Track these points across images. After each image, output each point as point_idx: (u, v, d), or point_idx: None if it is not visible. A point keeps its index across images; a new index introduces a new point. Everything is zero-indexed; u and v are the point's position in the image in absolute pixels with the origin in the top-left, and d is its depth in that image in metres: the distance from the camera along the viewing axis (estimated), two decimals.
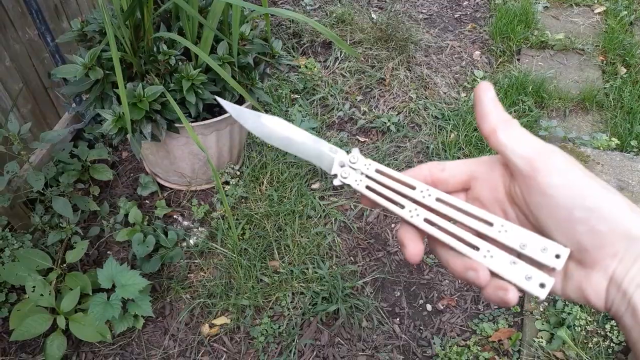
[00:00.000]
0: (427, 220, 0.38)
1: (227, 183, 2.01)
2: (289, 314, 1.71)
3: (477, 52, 2.82)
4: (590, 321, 1.64)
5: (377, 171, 0.41)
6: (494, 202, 0.38)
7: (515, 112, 2.37)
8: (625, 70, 2.62)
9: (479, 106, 0.38)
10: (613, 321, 1.63)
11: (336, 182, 0.42)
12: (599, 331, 1.62)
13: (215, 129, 1.79)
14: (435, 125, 2.37)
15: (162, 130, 1.62)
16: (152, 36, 1.62)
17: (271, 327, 1.67)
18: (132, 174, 2.15)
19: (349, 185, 0.42)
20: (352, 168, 0.42)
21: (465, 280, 0.37)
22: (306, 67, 2.58)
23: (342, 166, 0.42)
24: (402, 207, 0.39)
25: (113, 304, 1.55)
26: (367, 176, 0.42)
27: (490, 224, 0.36)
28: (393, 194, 0.40)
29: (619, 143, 2.08)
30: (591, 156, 1.88)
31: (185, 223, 1.96)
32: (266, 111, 2.32)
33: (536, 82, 2.49)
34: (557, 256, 0.34)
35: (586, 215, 0.32)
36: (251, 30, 1.73)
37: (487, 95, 0.37)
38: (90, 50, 1.54)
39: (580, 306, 1.67)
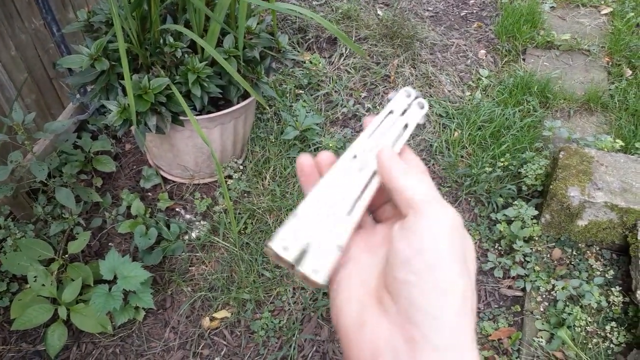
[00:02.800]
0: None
1: (230, 177, 2.01)
2: (289, 309, 1.71)
3: (483, 51, 2.81)
4: (590, 322, 1.64)
5: None
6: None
7: (519, 112, 2.36)
8: (630, 72, 2.61)
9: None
10: (613, 322, 1.63)
11: None
12: (599, 332, 1.63)
13: (219, 123, 1.79)
14: (440, 124, 2.37)
15: (166, 122, 1.62)
16: (159, 28, 1.62)
17: (272, 322, 1.67)
18: (135, 166, 2.15)
19: None
20: None
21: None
22: (311, 62, 2.57)
23: None
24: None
25: (114, 295, 1.55)
26: None
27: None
28: None
29: (624, 145, 2.07)
30: (595, 157, 1.88)
31: (188, 216, 1.96)
32: (270, 106, 2.32)
33: (541, 82, 2.48)
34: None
35: (409, 292, 0.30)
36: (258, 24, 1.72)
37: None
38: (96, 41, 1.54)
39: (581, 307, 1.67)
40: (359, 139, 0.39)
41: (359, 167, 0.38)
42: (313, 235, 0.35)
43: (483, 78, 2.61)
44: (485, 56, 2.78)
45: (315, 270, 0.34)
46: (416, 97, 0.41)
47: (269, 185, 2.05)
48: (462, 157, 2.22)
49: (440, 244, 0.31)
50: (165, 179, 2.07)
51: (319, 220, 0.35)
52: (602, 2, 3.12)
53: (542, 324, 1.67)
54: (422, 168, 0.38)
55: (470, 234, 0.38)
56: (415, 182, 0.35)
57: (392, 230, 0.34)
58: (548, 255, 1.85)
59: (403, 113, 0.41)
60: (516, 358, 1.62)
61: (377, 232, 0.38)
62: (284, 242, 0.34)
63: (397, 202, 0.35)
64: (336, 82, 2.53)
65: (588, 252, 1.85)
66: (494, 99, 2.46)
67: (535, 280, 1.76)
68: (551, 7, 3.11)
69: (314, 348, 1.64)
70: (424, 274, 0.30)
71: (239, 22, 1.56)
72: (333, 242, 0.35)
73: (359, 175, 0.38)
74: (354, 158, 0.38)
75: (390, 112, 0.41)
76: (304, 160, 0.40)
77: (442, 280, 0.30)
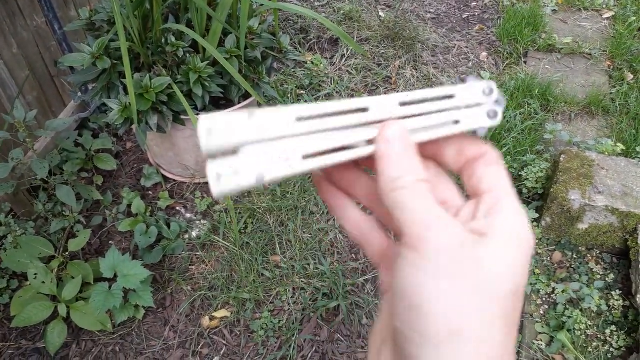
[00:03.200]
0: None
1: None
2: (289, 309, 1.71)
3: (484, 54, 2.81)
4: (590, 325, 1.64)
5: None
6: None
7: (520, 114, 2.36)
8: (632, 76, 2.61)
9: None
10: (613, 326, 1.63)
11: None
12: (599, 335, 1.62)
13: None
14: None
15: (168, 121, 1.62)
16: (161, 27, 1.62)
17: (271, 322, 1.67)
18: (136, 165, 2.15)
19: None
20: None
21: None
22: (313, 63, 2.58)
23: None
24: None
25: (114, 293, 1.55)
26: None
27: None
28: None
29: (624, 149, 2.07)
30: (596, 161, 1.88)
31: (188, 215, 1.96)
32: (272, 106, 2.32)
33: (542, 85, 2.48)
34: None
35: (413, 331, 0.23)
36: (259, 24, 1.73)
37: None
38: (98, 39, 1.54)
39: (581, 310, 1.67)
40: (386, 98, 0.29)
41: (359, 121, 0.28)
42: (247, 142, 0.26)
43: (484, 80, 2.61)
44: (487, 59, 2.78)
45: (219, 176, 0.26)
46: (496, 101, 0.30)
47: (269, 185, 2.05)
48: None
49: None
50: (166, 178, 2.07)
51: (269, 137, 0.27)
52: (604, 6, 3.13)
53: (542, 327, 1.67)
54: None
55: None
56: (412, 200, 0.25)
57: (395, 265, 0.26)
58: (548, 259, 1.85)
59: (467, 107, 0.30)
60: None
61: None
62: (212, 124, 0.26)
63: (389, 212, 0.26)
64: (337, 83, 2.53)
65: (588, 255, 1.85)
66: None
67: (536, 283, 1.76)
68: (553, 11, 3.11)
69: (314, 348, 1.64)
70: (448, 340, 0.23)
71: (241, 21, 1.56)
72: (257, 168, 0.26)
73: (351, 130, 0.28)
74: (362, 111, 0.28)
75: (451, 96, 0.30)
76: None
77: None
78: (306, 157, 0.27)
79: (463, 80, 0.31)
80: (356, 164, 0.32)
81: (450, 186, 0.30)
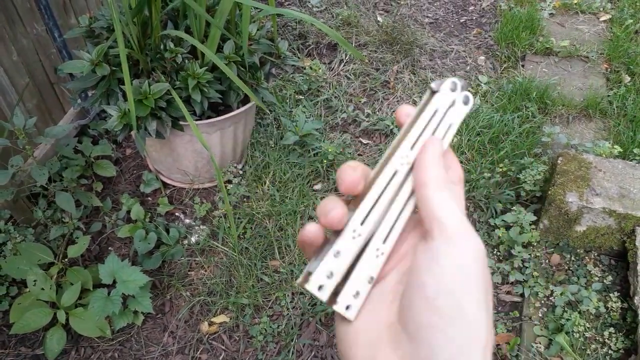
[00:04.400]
0: None
1: (229, 182, 2.02)
2: (288, 314, 1.71)
3: (482, 57, 2.82)
4: (588, 327, 1.64)
5: None
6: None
7: (518, 118, 2.37)
8: (629, 78, 2.62)
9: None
10: (612, 328, 1.63)
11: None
12: (597, 338, 1.62)
13: (219, 128, 1.80)
14: None
15: (166, 127, 1.63)
16: (160, 34, 1.63)
17: (270, 327, 1.67)
18: (135, 171, 2.15)
19: None
20: None
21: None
22: (311, 68, 2.59)
23: None
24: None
25: (113, 299, 1.56)
26: None
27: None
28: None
29: (622, 151, 2.08)
30: (593, 163, 1.89)
31: (187, 221, 1.97)
32: (270, 111, 2.33)
33: (540, 88, 2.49)
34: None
35: (437, 322, 0.28)
36: (258, 30, 1.74)
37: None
38: (97, 46, 1.55)
39: (579, 312, 1.67)
40: (401, 148, 0.34)
41: (398, 185, 0.34)
42: (348, 272, 0.32)
43: (482, 84, 2.62)
44: (485, 62, 2.80)
45: (349, 307, 0.32)
46: (462, 89, 0.36)
47: (268, 190, 2.06)
48: (461, 162, 2.23)
49: (471, 283, 0.28)
50: (165, 184, 2.08)
51: (355, 255, 0.33)
52: (601, 9, 3.14)
53: (541, 329, 1.67)
54: (460, 176, 0.35)
55: None
56: (448, 200, 0.31)
57: (415, 255, 0.32)
58: (546, 261, 1.85)
59: (447, 110, 0.36)
60: None
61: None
62: (319, 282, 0.32)
63: (421, 213, 0.32)
64: (336, 88, 2.55)
65: (586, 257, 1.85)
66: (493, 105, 2.47)
67: (534, 286, 1.76)
68: (550, 14, 3.12)
69: (312, 353, 1.64)
70: (451, 318, 0.27)
71: (242, 28, 1.57)
72: (366, 275, 0.33)
73: (397, 198, 0.34)
74: (393, 175, 0.34)
75: (435, 111, 0.35)
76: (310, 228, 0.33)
77: (469, 328, 0.27)
78: (384, 241, 0.34)
79: (432, 90, 0.35)
80: None
81: None
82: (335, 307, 0.32)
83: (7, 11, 1.69)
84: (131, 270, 1.60)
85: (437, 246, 0.30)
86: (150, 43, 1.67)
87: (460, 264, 0.29)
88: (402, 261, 0.34)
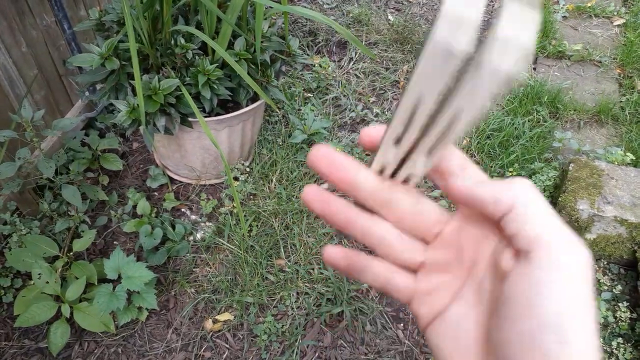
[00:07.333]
0: None
1: (236, 179, 2.00)
2: (292, 314, 1.70)
3: None
4: None
5: None
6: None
7: (529, 121, 2.34)
8: None
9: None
10: (620, 338, 1.61)
11: None
12: (605, 348, 1.61)
13: (227, 125, 1.79)
14: None
15: (175, 123, 1.62)
16: (170, 29, 1.62)
17: (274, 326, 1.66)
18: (142, 165, 2.14)
19: None
20: None
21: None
22: (320, 66, 2.57)
23: None
24: None
25: (118, 295, 1.55)
26: None
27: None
28: None
29: (634, 158, 2.05)
30: (605, 170, 1.86)
31: (193, 217, 1.96)
32: (279, 109, 2.31)
33: (552, 92, 2.46)
34: None
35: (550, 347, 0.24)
36: (269, 27, 1.72)
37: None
38: (107, 40, 1.54)
39: None
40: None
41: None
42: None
43: None
44: None
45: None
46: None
47: (275, 188, 2.04)
48: None
49: (580, 311, 0.24)
50: (171, 179, 2.07)
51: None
52: (615, 13, 3.10)
53: None
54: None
55: None
56: (551, 214, 0.27)
57: (506, 281, 0.26)
58: None
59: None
60: None
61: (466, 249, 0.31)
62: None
63: (512, 229, 0.27)
64: (345, 86, 2.52)
65: (596, 266, 1.83)
66: (503, 108, 2.45)
67: None
68: (563, 17, 3.09)
69: (317, 354, 1.63)
70: (557, 356, 0.23)
71: (256, 26, 1.56)
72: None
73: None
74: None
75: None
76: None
77: None
78: None
79: None
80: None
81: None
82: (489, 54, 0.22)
83: (17, 2, 1.68)
84: (137, 266, 1.59)
85: (540, 275, 0.25)
86: (161, 38, 1.66)
87: (568, 291, 0.24)
88: (471, 270, 0.30)
